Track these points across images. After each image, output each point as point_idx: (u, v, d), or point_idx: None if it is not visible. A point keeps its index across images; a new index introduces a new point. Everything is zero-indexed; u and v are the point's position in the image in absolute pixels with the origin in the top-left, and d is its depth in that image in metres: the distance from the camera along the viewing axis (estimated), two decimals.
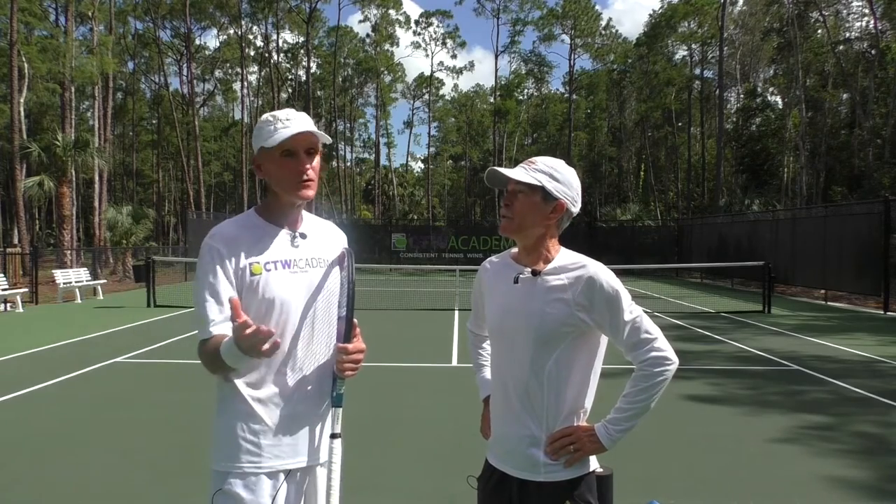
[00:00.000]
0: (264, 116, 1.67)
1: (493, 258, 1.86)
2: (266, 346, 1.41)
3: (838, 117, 35.85)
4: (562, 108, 54.16)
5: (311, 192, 1.67)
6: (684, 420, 5.55)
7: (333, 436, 1.64)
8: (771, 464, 4.43)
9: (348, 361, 1.62)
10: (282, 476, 1.62)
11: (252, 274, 1.61)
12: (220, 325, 1.57)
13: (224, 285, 1.59)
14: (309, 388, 1.66)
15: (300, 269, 1.68)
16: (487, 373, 1.97)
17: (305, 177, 1.65)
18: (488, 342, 1.99)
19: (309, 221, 1.78)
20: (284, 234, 1.70)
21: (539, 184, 1.65)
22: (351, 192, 60.80)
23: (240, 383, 1.60)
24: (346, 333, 1.63)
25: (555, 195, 1.66)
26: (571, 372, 1.65)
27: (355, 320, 1.64)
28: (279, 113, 1.66)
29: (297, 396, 1.64)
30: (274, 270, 1.63)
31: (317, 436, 1.67)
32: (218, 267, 1.60)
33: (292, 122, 1.63)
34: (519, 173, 1.67)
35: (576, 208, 1.71)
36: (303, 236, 1.72)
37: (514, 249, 1.79)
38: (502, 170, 1.68)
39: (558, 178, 1.67)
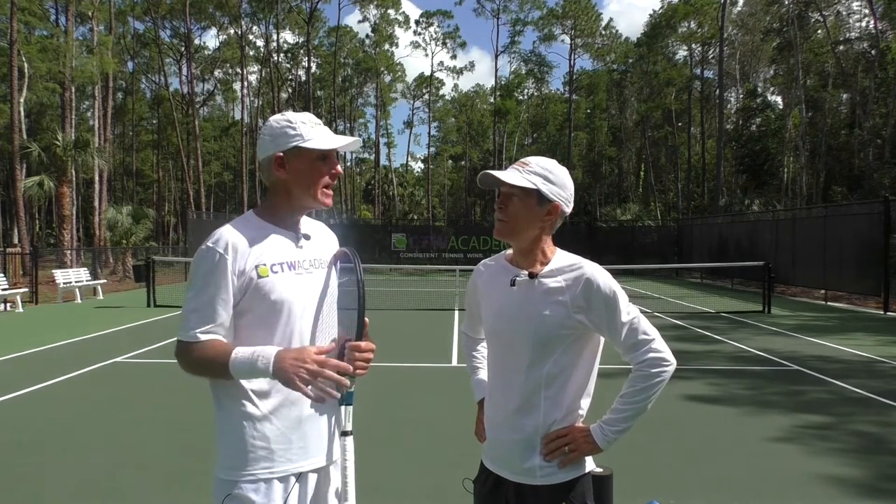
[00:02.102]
0: (289, 116, 1.67)
1: (488, 261, 1.85)
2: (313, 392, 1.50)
3: (838, 117, 35.84)
4: (562, 108, 54.14)
5: (331, 200, 1.72)
6: (684, 420, 5.55)
7: (345, 433, 1.63)
8: (771, 463, 4.43)
9: (360, 360, 1.62)
10: (293, 479, 1.61)
11: (259, 276, 1.59)
12: (212, 334, 1.56)
13: (222, 293, 1.57)
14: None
15: (305, 270, 1.67)
16: (482, 375, 1.96)
17: (334, 181, 1.71)
18: (483, 345, 1.99)
19: (306, 222, 1.78)
20: (288, 236, 1.69)
21: (534, 187, 1.64)
22: (351, 192, 60.79)
23: (247, 389, 1.59)
24: (358, 331, 1.62)
25: (550, 197, 1.65)
26: (570, 374, 1.64)
27: (366, 319, 1.64)
28: (300, 115, 1.68)
29: (306, 399, 1.62)
30: (280, 273, 1.62)
31: (326, 436, 1.67)
32: (219, 273, 1.57)
33: (322, 126, 1.69)
34: (513, 176, 1.65)
35: (569, 208, 1.71)
36: (306, 237, 1.72)
37: (509, 251, 1.78)
38: (495, 172, 1.66)
39: (553, 179, 1.66)
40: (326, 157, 1.67)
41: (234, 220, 1.70)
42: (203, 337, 1.55)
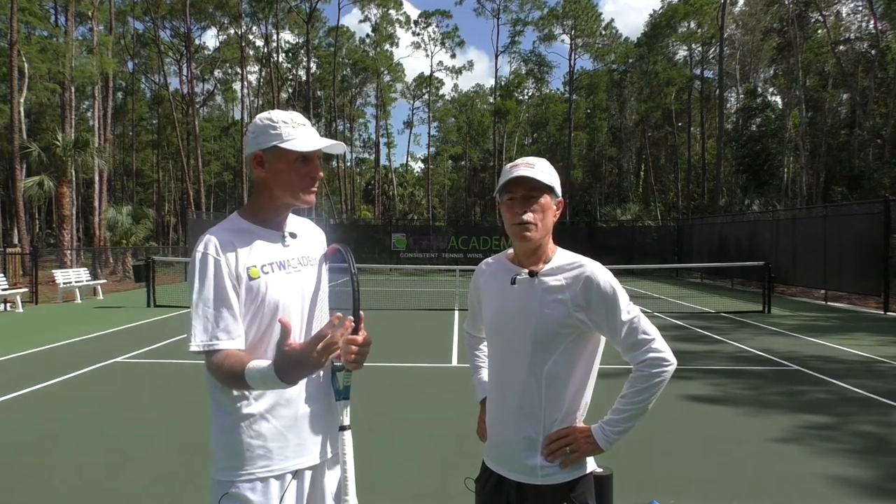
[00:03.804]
0: (273, 115, 1.66)
1: (489, 260, 1.85)
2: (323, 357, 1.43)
3: (838, 117, 35.84)
4: (562, 108, 54.13)
5: (314, 198, 1.70)
6: (684, 420, 5.55)
7: (343, 428, 1.64)
8: (771, 463, 4.43)
9: (357, 353, 1.61)
10: (289, 477, 1.62)
11: (251, 278, 1.59)
12: (232, 341, 1.54)
13: (224, 294, 1.56)
14: (312, 387, 1.66)
15: (293, 268, 1.67)
16: (484, 375, 1.96)
17: (316, 183, 1.68)
18: (485, 344, 1.99)
19: (293, 220, 1.77)
20: (275, 236, 1.69)
21: (552, 185, 1.66)
22: (351, 192, 60.77)
23: (243, 389, 1.59)
24: (354, 326, 1.63)
25: (559, 193, 1.69)
26: (570, 373, 1.64)
27: (362, 313, 1.64)
28: (285, 114, 1.66)
29: (301, 397, 1.64)
30: (271, 273, 1.62)
31: (321, 433, 1.67)
32: (217, 275, 1.57)
33: (307, 127, 1.66)
34: (541, 175, 1.65)
35: None
36: (293, 236, 1.72)
37: (510, 251, 1.78)
38: (530, 173, 1.62)
39: (556, 177, 1.70)
40: (307, 159, 1.65)
41: (220, 223, 1.70)
42: (218, 344, 1.53)
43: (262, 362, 1.49)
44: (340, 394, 1.66)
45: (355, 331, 1.62)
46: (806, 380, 7.22)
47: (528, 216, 1.64)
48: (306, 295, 1.69)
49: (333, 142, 1.69)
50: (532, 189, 1.64)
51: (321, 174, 1.70)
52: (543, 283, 1.65)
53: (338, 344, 1.44)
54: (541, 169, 1.66)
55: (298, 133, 1.64)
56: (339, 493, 1.65)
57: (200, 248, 1.60)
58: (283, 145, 1.62)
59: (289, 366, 1.43)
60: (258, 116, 1.68)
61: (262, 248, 1.65)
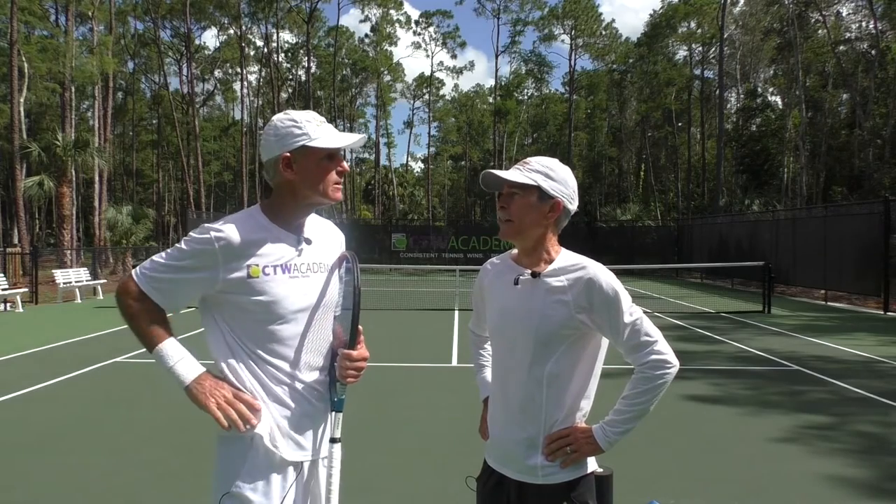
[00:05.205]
0: (293, 115, 1.65)
1: (494, 259, 1.85)
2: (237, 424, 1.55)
3: (838, 117, 35.85)
4: (562, 108, 54.13)
5: (341, 195, 1.71)
6: (684, 420, 5.55)
7: (333, 440, 1.65)
8: (771, 464, 4.43)
9: (351, 368, 1.62)
10: (291, 473, 1.63)
11: (250, 276, 1.59)
12: (159, 294, 1.59)
13: (191, 275, 1.58)
14: (310, 391, 1.66)
15: (301, 273, 1.65)
16: (488, 373, 1.96)
17: (342, 179, 1.69)
18: (490, 343, 1.99)
19: (312, 223, 1.75)
20: (290, 238, 1.67)
21: (535, 183, 1.65)
22: (351, 192, 60.74)
23: (246, 387, 1.60)
24: (351, 339, 1.63)
25: (551, 194, 1.66)
26: (572, 374, 1.64)
27: (360, 327, 1.63)
28: (304, 114, 1.66)
29: (299, 400, 1.64)
30: (273, 275, 1.61)
31: (319, 434, 1.68)
32: (204, 264, 1.57)
33: (328, 124, 1.68)
34: (514, 174, 1.67)
35: (573, 206, 1.71)
36: (308, 241, 1.70)
37: (515, 251, 1.79)
38: (497, 172, 1.67)
39: (553, 176, 1.67)
40: (332, 156, 1.66)
41: (241, 213, 1.68)
42: (152, 294, 1.58)
43: (183, 357, 1.57)
44: (334, 405, 1.67)
45: (352, 345, 1.62)
46: (806, 380, 7.22)
47: (503, 213, 1.68)
48: (310, 301, 1.67)
49: (358, 136, 1.70)
50: (512, 186, 1.67)
51: (347, 167, 1.70)
52: (546, 284, 1.65)
53: (237, 423, 1.55)
54: (530, 168, 1.67)
55: (323, 131, 1.64)
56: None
57: (213, 230, 1.58)
58: (311, 144, 1.61)
59: (204, 388, 1.55)
60: (276, 118, 1.66)
61: (272, 248, 1.63)
